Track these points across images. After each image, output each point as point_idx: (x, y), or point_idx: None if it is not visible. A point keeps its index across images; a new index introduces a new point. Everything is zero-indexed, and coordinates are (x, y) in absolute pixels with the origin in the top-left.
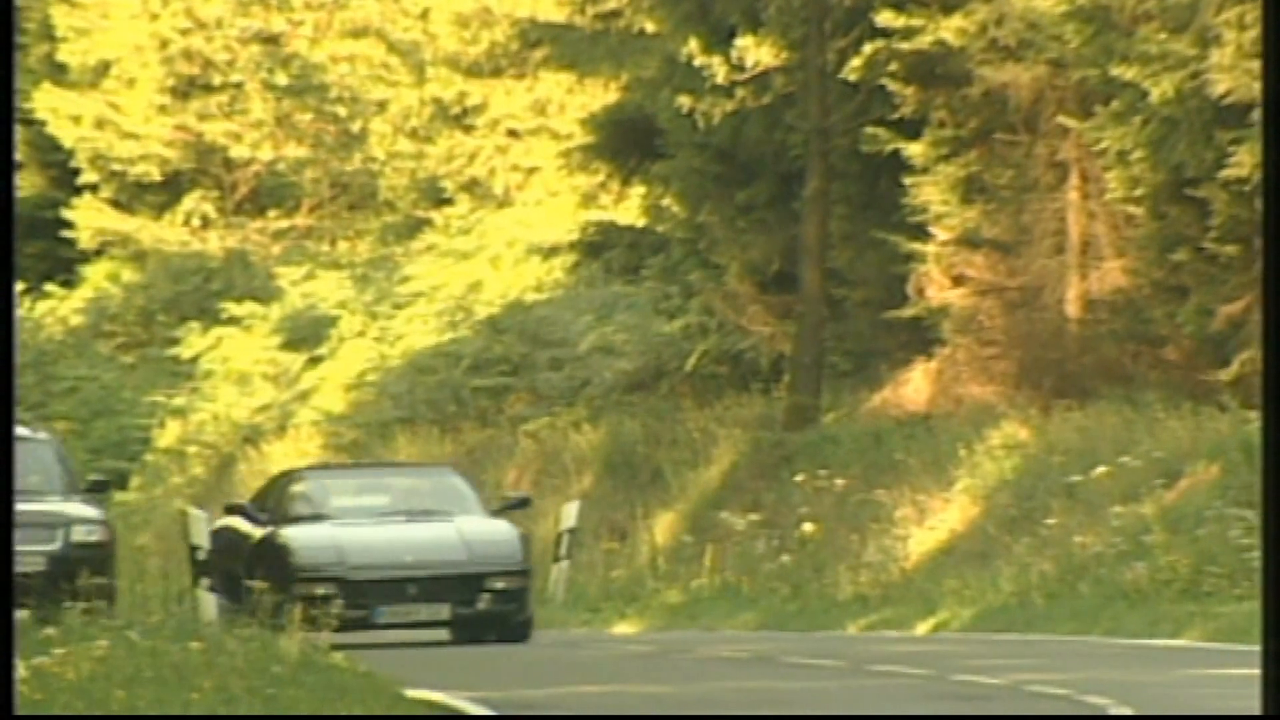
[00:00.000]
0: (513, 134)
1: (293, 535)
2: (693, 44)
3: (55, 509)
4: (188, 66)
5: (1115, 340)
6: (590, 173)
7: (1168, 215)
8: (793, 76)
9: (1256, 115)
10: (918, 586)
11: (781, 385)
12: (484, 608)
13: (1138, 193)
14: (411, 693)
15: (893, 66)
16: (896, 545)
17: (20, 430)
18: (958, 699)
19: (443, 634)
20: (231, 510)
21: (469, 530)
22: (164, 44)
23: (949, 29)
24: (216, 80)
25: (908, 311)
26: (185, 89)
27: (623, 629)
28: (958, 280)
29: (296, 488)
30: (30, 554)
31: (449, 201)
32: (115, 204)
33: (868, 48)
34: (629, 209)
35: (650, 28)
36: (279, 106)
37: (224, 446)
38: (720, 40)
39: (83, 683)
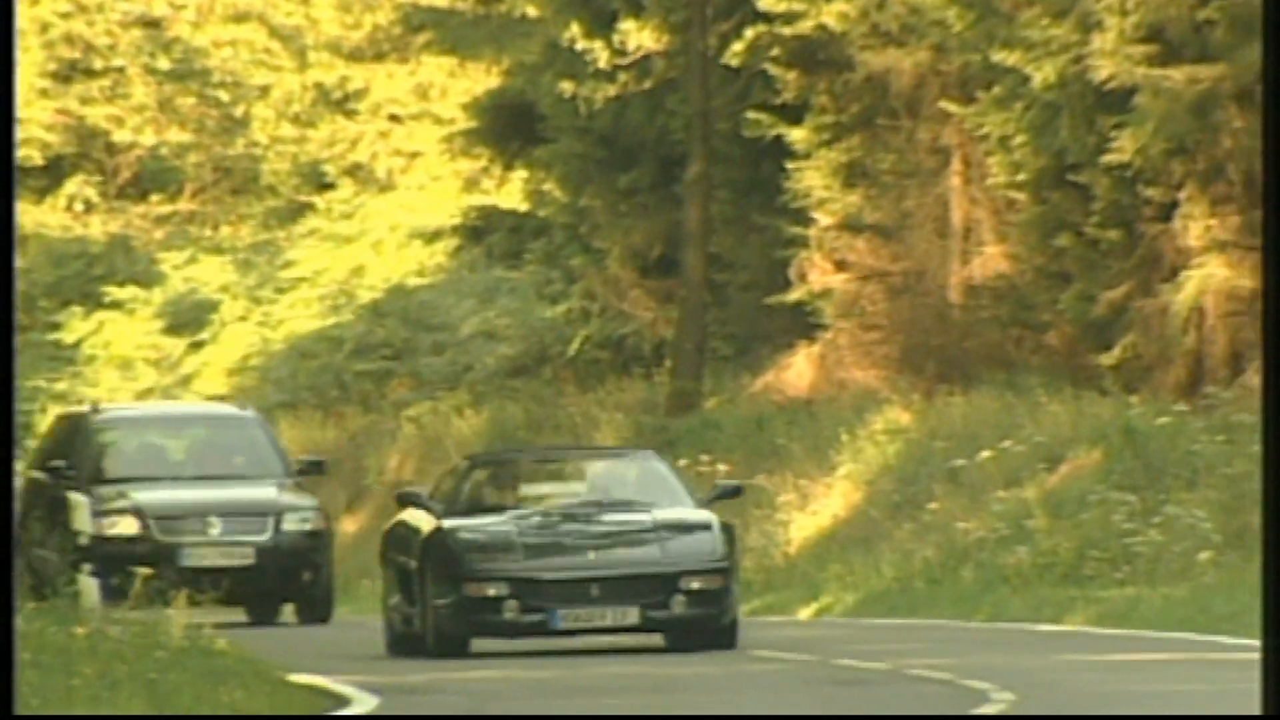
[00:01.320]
0: (395, 119)
1: (462, 528)
2: (574, 28)
3: (264, 495)
4: (69, 50)
5: (997, 325)
6: (472, 157)
7: (1049, 200)
8: (674, 61)
9: (1137, 100)
10: (800, 571)
11: (664, 370)
12: (679, 611)
13: (1020, 178)
14: (294, 677)
15: (775, 51)
16: (779, 530)
17: (224, 408)
18: (839, 684)
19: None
20: (405, 500)
21: (665, 523)
22: (45, 27)
23: (831, 14)
24: (98, 64)
25: (790, 296)
26: (67, 73)
27: None
28: (840, 265)
29: (478, 475)
30: (236, 546)
31: (331, 186)
32: None
33: (749, 32)
34: (511, 194)
35: (532, 12)
36: (161, 91)
37: None
38: (602, 25)
39: None
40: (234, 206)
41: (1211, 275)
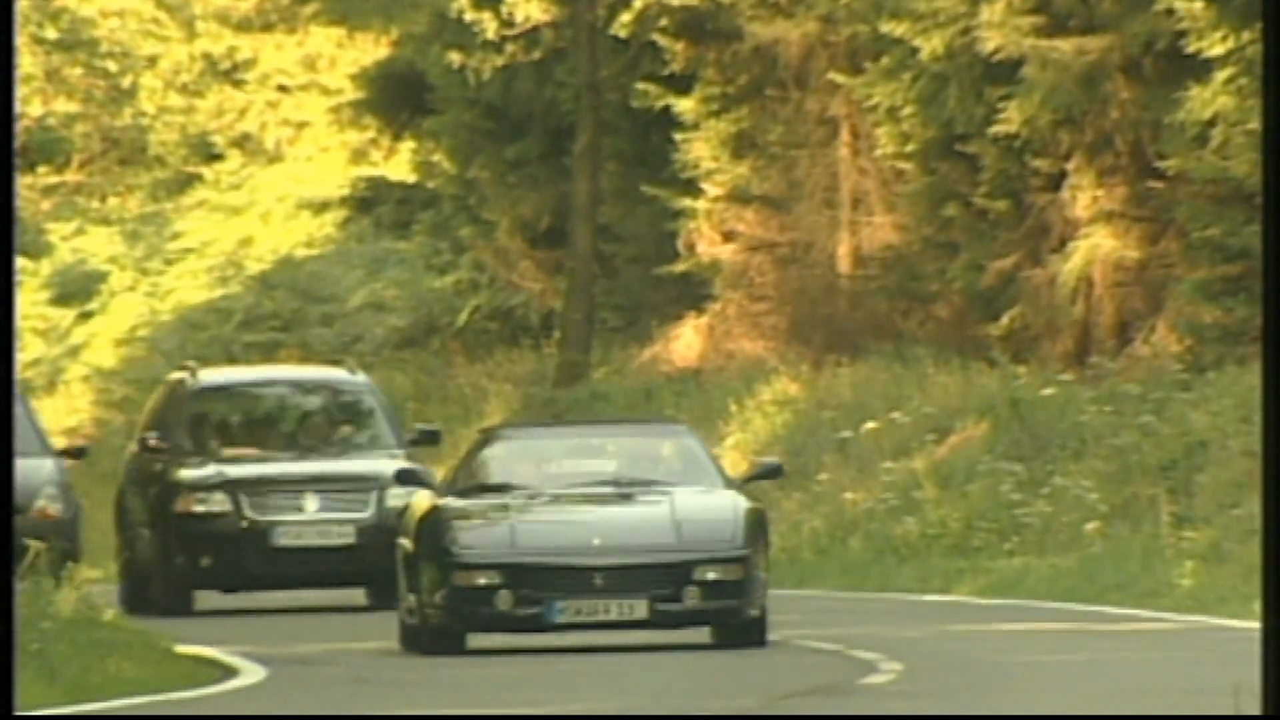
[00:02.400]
0: (283, 89)
1: (456, 509)
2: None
3: (366, 468)
4: None
5: (886, 296)
6: (360, 128)
7: (938, 171)
8: (562, 32)
9: (1025, 71)
10: None
11: (552, 341)
12: (693, 604)
13: (908, 149)
14: (182, 648)
15: (663, 22)
16: None
17: (333, 372)
18: (729, 653)
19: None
20: (403, 479)
21: (685, 506)
22: None
23: None
24: None
25: (678, 267)
26: None
27: None
28: (728, 236)
29: (491, 449)
30: (334, 524)
31: (220, 157)
32: None
33: (638, 3)
34: (399, 165)
35: None
36: (48, 61)
37: None
38: None
39: None
40: (122, 177)
41: (1099, 245)
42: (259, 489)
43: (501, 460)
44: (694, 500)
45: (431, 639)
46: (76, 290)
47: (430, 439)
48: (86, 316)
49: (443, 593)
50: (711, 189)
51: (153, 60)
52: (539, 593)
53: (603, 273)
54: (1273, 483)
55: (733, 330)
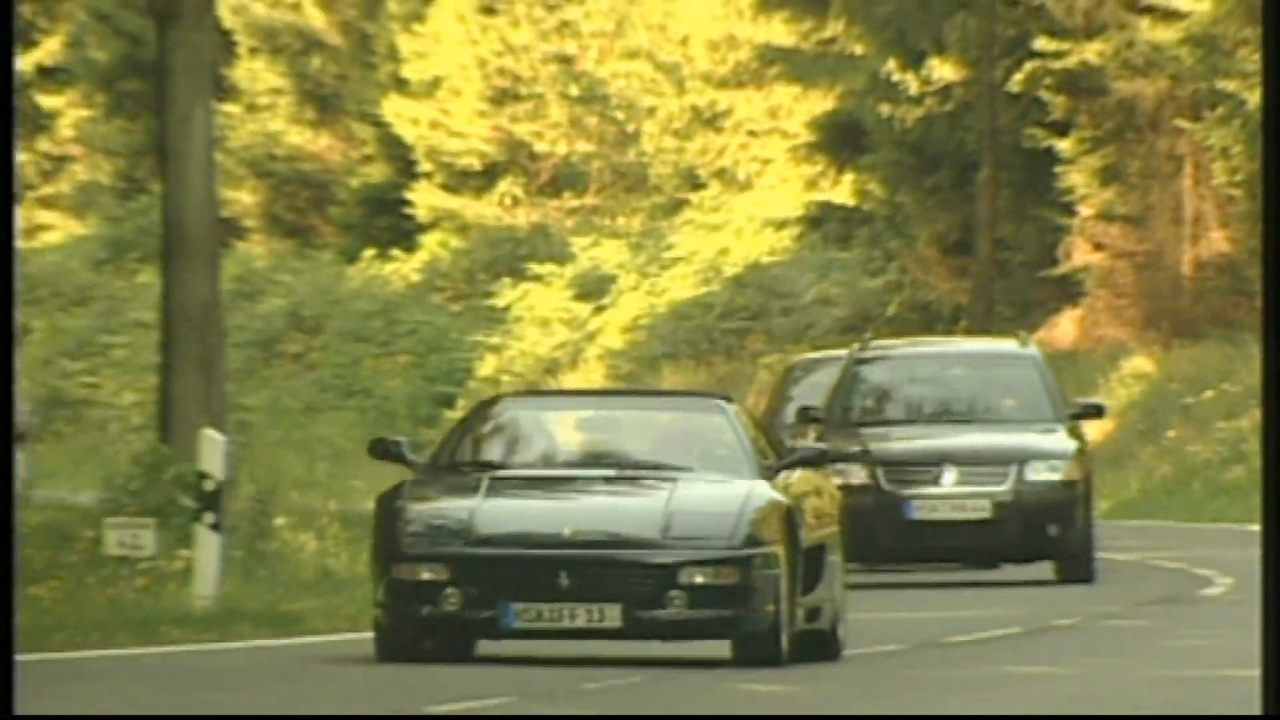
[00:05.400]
0: (752, 133)
1: (417, 489)
2: (892, 63)
3: (1008, 442)
4: (501, 81)
5: (1219, 293)
6: (812, 164)
7: (1261, 196)
8: (969, 89)
9: None
10: None
11: (959, 328)
12: (678, 612)
13: (1237, 179)
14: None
15: (1047, 80)
16: None
17: (1001, 345)
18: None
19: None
20: (379, 451)
21: (684, 496)
22: (483, 63)
23: (1091, 51)
24: (524, 91)
25: (1059, 270)
26: (499, 98)
27: None
28: (1097, 246)
29: (481, 422)
30: (970, 498)
31: (703, 186)
32: (445, 187)
33: (1028, 66)
34: (843, 191)
35: (859, 51)
36: (572, 111)
37: (529, 376)
38: (913, 61)
39: None
40: (627, 202)
41: None
42: (898, 462)
43: (493, 434)
44: (699, 490)
45: (377, 643)
46: (593, 289)
47: (1095, 412)
48: (600, 310)
49: (383, 587)
50: (1084, 210)
51: (652, 111)
52: (493, 592)
53: (999, 275)
54: (1273, 482)
55: (1100, 320)
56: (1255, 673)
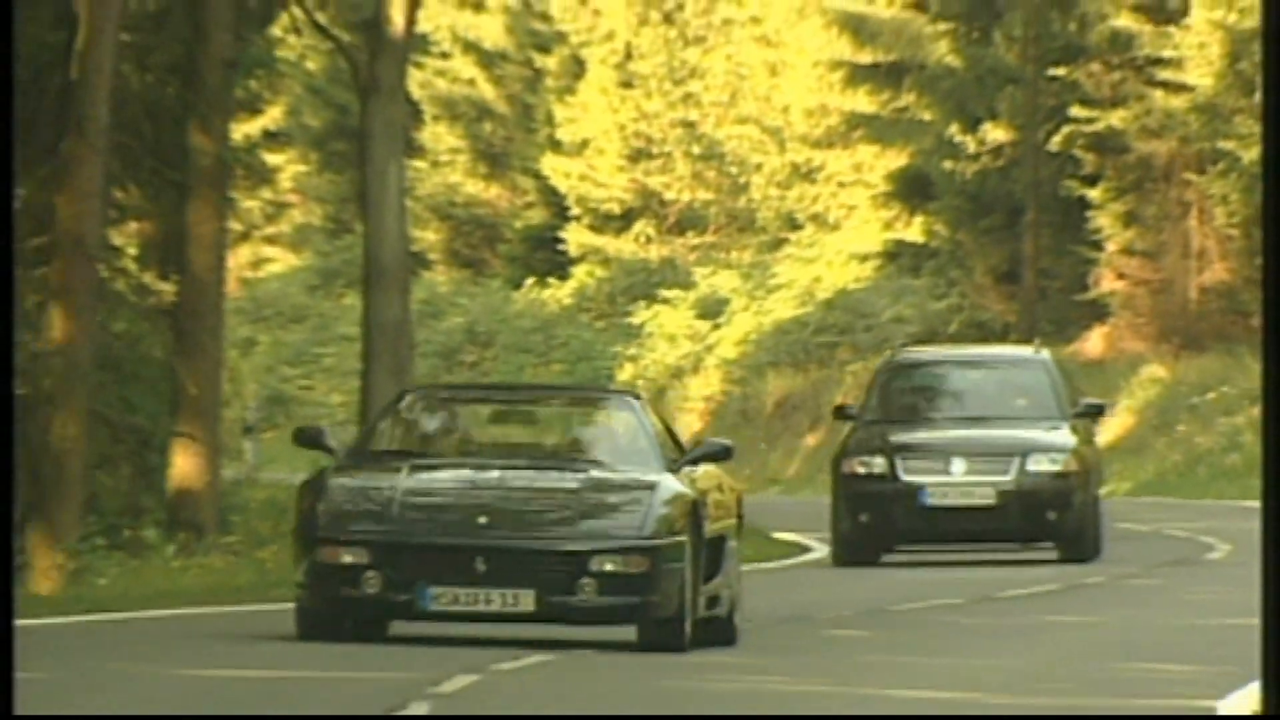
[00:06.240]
0: (841, 184)
1: (337, 477)
2: (954, 127)
3: (1011, 436)
4: (637, 141)
5: (1220, 314)
6: (889, 209)
7: (1253, 235)
8: (1017, 148)
9: None
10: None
11: (1010, 341)
12: (588, 599)
13: (1234, 220)
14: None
15: (1081, 141)
16: None
17: (1017, 350)
18: (1115, 539)
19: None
20: (303, 439)
21: (597, 486)
22: (622, 127)
23: (1116, 117)
24: (655, 150)
25: (1089, 295)
26: (635, 155)
27: None
28: (1121, 276)
29: (400, 412)
30: (977, 486)
31: (800, 227)
32: (592, 228)
33: (1065, 130)
34: (914, 231)
35: (927, 117)
36: (694, 166)
37: (660, 381)
38: (971, 125)
39: None
40: (739, 239)
41: None
42: (914, 453)
43: (411, 423)
44: (609, 481)
45: (299, 623)
46: (711, 310)
47: (1097, 411)
48: (717, 327)
49: (305, 569)
50: (1110, 246)
51: (759, 166)
52: (410, 575)
53: (1041, 298)
54: (1273, 482)
55: (1123, 335)
56: (1255, 621)
